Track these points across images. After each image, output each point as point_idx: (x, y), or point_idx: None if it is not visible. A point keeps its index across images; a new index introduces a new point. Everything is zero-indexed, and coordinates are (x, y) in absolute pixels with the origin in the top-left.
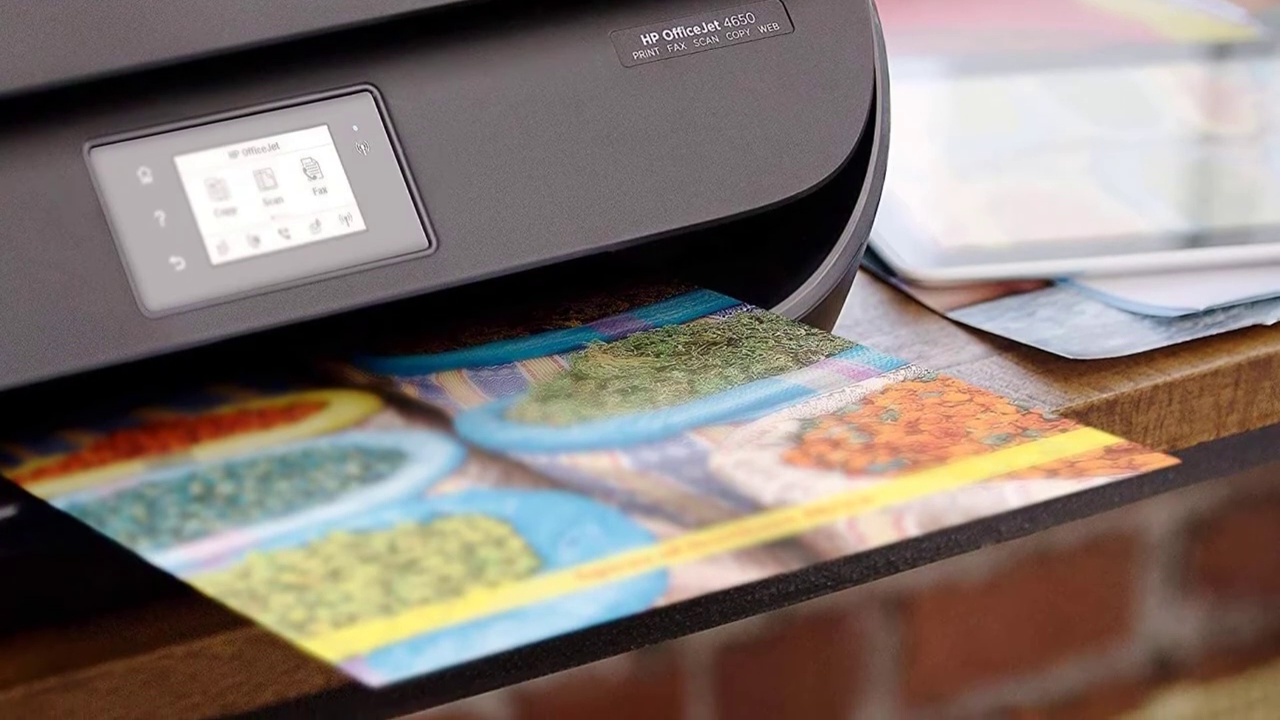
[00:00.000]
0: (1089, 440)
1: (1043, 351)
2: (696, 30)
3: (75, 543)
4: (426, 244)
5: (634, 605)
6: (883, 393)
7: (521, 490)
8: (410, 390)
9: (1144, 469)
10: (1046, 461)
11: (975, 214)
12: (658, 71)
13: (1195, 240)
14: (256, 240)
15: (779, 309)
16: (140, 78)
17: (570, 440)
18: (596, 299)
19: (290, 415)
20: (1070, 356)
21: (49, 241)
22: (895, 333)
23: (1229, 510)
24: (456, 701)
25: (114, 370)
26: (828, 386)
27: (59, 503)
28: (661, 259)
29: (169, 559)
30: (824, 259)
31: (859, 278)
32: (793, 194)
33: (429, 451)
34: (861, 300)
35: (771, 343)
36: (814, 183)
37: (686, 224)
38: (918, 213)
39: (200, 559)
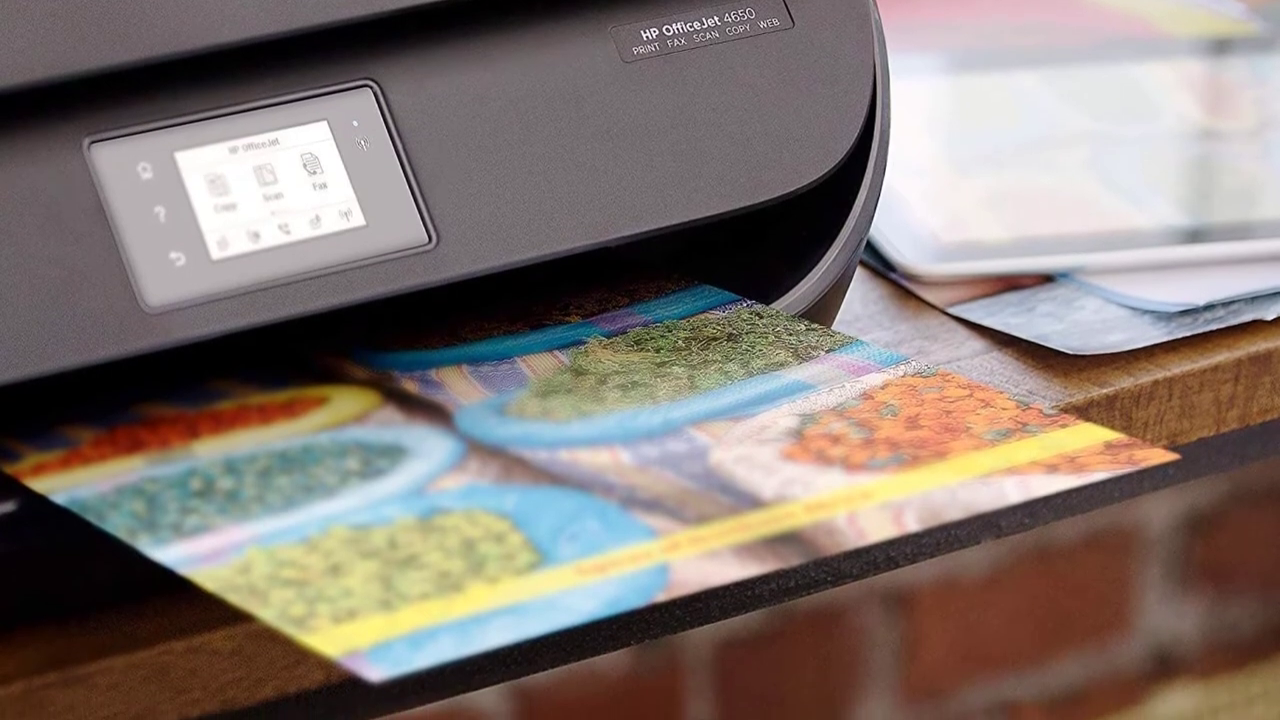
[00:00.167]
0: (1089, 435)
1: (1043, 347)
2: (696, 25)
3: (75, 538)
4: (426, 239)
5: (634, 601)
6: (883, 388)
7: (521, 485)
8: (410, 386)
9: (1144, 464)
10: (1046, 457)
11: (975, 209)
12: (658, 67)
13: (1195, 236)
14: (256, 236)
15: (779, 304)
16: (140, 73)
17: (570, 435)
18: (596, 294)
19: (290, 411)
20: (1070, 352)
21: (49, 237)
22: (895, 328)
23: (1229, 506)
24: (457, 697)
25: (114, 365)
26: (828, 382)
27: (59, 498)
28: (661, 254)
29: (169, 554)
30: (824, 254)
31: (859, 273)
32: (793, 189)
33: (429, 447)
34: (861, 295)
35: (771, 338)
36: (814, 178)
37: (686, 219)
38: (918, 208)
39: (200, 554)
